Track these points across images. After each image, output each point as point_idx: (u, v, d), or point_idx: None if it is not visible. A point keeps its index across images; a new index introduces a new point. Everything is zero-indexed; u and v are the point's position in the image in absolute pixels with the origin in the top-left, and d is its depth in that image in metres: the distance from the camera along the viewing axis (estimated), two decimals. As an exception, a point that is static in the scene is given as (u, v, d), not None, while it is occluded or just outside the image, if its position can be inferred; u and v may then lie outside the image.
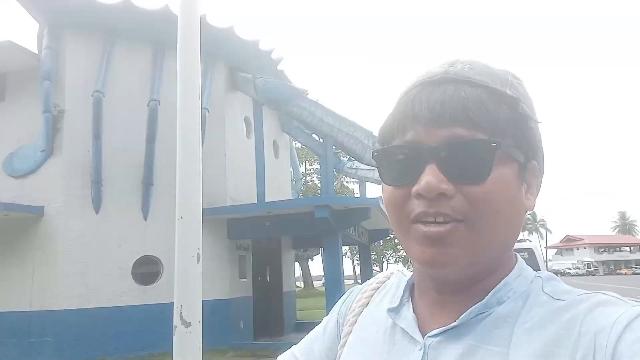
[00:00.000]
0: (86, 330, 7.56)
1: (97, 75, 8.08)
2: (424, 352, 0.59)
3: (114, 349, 7.64)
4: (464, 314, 0.57)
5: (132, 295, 8.09)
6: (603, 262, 71.37)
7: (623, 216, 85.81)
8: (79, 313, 7.60)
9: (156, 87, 8.43)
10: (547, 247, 70.40)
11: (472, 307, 0.57)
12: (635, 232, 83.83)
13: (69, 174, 7.92)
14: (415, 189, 0.56)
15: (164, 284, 8.37)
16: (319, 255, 26.17)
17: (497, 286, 0.58)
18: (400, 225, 0.59)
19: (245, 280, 10.04)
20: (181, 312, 2.39)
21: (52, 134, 7.86)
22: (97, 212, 8.04)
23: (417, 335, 0.61)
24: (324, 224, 8.44)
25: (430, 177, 0.54)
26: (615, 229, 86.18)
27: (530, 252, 9.09)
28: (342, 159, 14.26)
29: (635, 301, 0.53)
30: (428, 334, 0.60)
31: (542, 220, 74.80)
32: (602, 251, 73.09)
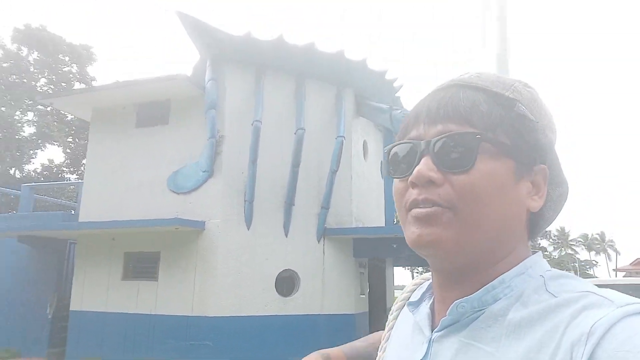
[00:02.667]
0: (238, 336, 8.37)
1: (255, 106, 8.92)
2: (428, 346, 0.63)
3: (265, 355, 8.41)
4: (451, 307, 0.61)
5: (274, 305, 8.85)
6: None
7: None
8: (232, 320, 8.42)
9: (301, 117, 9.18)
10: (615, 270, 67.29)
11: (458, 301, 0.60)
12: None
13: (227, 193, 8.79)
14: (410, 179, 0.62)
15: (300, 296, 9.10)
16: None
17: (492, 283, 0.60)
18: (401, 214, 0.66)
19: (363, 296, 10.65)
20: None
21: (214, 157, 8.76)
22: (248, 228, 8.87)
23: (426, 330, 0.66)
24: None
25: (421, 166, 0.61)
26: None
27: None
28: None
29: (626, 298, 0.52)
30: (435, 329, 0.64)
31: (611, 241, 71.28)
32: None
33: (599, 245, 65.77)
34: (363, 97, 10.90)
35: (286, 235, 9.27)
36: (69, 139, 26.29)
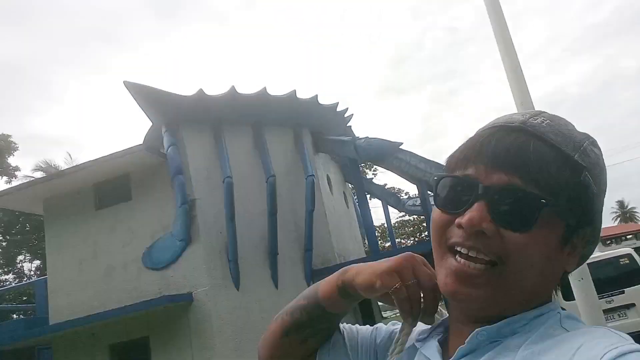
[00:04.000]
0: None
1: (221, 162, 8.70)
2: None
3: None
4: (470, 335, 0.61)
5: (282, 363, 8.45)
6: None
7: (622, 205, 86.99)
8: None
9: (269, 164, 9.07)
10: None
11: (479, 329, 0.61)
12: (636, 219, 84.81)
13: (209, 258, 8.41)
14: (458, 220, 0.61)
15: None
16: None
17: (512, 318, 0.60)
18: (439, 247, 0.65)
19: (362, 330, 10.45)
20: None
21: (189, 224, 8.40)
22: (237, 288, 8.51)
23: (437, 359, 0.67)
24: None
25: (475, 213, 0.59)
26: (616, 219, 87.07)
27: (630, 257, 9.59)
28: (402, 197, 14.97)
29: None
30: (451, 358, 0.64)
31: None
32: (609, 242, 73.68)
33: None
34: (319, 133, 10.98)
35: (276, 287, 8.98)
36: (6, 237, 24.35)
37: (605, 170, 0.66)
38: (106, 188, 9.17)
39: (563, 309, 0.64)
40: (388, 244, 22.30)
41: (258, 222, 8.98)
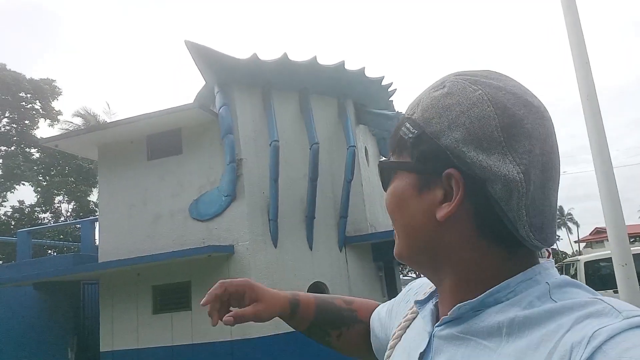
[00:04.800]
0: (283, 355, 8.48)
1: (268, 126, 9.10)
2: (430, 340, 0.66)
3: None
4: (453, 309, 0.61)
5: (310, 319, 9.01)
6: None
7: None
8: (274, 340, 8.52)
9: (313, 131, 9.42)
10: (578, 241, 70.22)
11: (460, 304, 0.61)
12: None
13: (252, 215, 8.91)
14: None
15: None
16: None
17: (496, 287, 0.59)
18: None
19: (385, 298, 10.94)
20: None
21: (235, 181, 8.87)
22: (275, 246, 9.02)
23: (429, 326, 0.68)
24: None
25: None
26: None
27: None
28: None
29: (634, 310, 0.51)
30: (435, 324, 0.66)
31: (569, 215, 74.29)
32: (633, 240, 72.38)
33: (559, 220, 68.43)
34: (362, 104, 11.25)
35: (311, 249, 9.47)
36: (39, 178, 25.45)
37: (460, 105, 0.61)
38: (158, 140, 9.68)
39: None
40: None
41: (298, 185, 9.42)
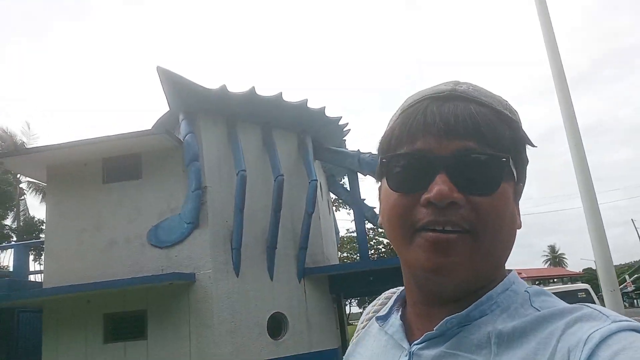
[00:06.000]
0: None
1: (235, 156, 9.21)
2: (409, 358, 0.62)
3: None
4: (440, 323, 0.60)
5: (269, 349, 8.99)
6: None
7: (553, 250, 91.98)
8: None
9: (277, 164, 9.65)
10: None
11: (449, 317, 0.60)
12: (564, 264, 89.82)
13: (214, 243, 8.86)
14: (425, 196, 0.58)
15: (290, 337, 9.34)
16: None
17: (480, 300, 0.60)
18: (404, 234, 0.61)
19: (338, 330, 11.12)
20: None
21: (199, 208, 8.82)
22: (237, 275, 8.99)
23: (404, 343, 0.65)
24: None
25: (442, 185, 0.57)
26: (546, 262, 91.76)
27: (587, 292, 10.93)
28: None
29: (620, 316, 0.53)
30: (414, 342, 0.63)
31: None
32: (538, 283, 77.73)
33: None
34: (319, 142, 11.67)
35: (272, 279, 9.52)
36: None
37: None
38: (115, 164, 9.42)
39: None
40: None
41: (260, 216, 9.52)
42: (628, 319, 0.52)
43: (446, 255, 0.57)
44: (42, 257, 9.37)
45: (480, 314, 0.59)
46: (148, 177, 9.31)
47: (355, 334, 0.82)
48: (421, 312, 0.66)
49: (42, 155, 9.44)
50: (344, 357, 0.80)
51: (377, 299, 0.84)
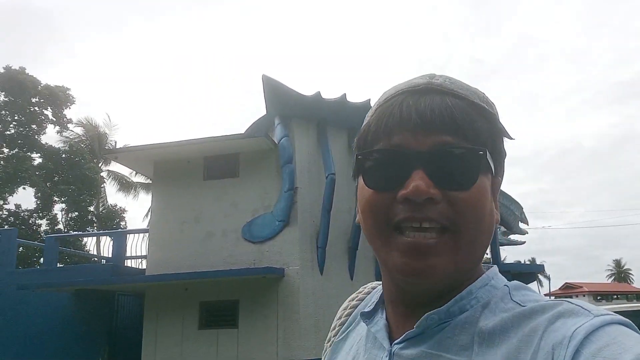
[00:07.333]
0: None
1: (325, 159, 9.73)
2: (389, 359, 0.62)
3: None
4: (420, 320, 0.59)
5: (348, 345, 9.44)
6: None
7: (618, 264, 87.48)
8: (317, 362, 8.92)
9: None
10: (549, 294, 71.67)
11: (429, 314, 0.59)
12: (630, 280, 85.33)
13: (303, 241, 9.43)
14: (402, 193, 0.57)
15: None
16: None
17: (460, 294, 0.59)
18: (380, 232, 0.60)
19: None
20: None
21: (290, 208, 9.41)
22: (321, 273, 9.52)
23: (385, 342, 0.64)
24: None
25: (419, 181, 0.56)
26: (611, 276, 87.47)
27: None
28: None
29: (601, 310, 0.52)
30: (394, 341, 0.63)
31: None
32: (600, 299, 74.30)
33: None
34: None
35: (352, 279, 9.98)
36: (47, 184, 25.28)
37: None
38: (215, 163, 10.19)
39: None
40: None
41: (344, 217, 10.00)
42: (610, 312, 0.53)
43: (425, 259, 0.57)
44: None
45: (460, 309, 0.59)
46: (244, 175, 10.00)
47: (331, 331, 0.85)
48: (401, 311, 0.65)
49: (150, 152, 10.35)
50: (325, 356, 0.83)
51: (357, 292, 0.86)
